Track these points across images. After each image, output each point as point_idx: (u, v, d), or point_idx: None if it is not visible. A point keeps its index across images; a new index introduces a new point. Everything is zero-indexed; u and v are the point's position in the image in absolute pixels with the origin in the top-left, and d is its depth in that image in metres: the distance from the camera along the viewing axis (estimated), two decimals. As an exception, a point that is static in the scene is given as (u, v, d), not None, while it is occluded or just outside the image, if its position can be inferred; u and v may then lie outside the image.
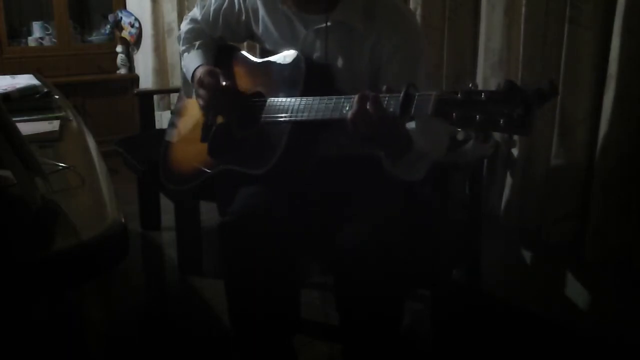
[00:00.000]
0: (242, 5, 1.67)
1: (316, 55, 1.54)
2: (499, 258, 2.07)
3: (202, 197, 2.20)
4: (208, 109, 1.65)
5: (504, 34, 1.86)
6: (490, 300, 2.07)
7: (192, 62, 1.71)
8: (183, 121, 1.83)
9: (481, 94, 1.02)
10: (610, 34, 1.57)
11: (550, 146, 1.76)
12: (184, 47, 1.76)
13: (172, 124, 1.88)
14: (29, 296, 0.78)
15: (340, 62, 1.52)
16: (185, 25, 1.81)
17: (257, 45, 1.74)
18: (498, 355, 1.83)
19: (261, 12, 1.63)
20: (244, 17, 1.68)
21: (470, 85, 1.06)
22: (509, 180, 1.91)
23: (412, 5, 2.11)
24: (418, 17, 2.07)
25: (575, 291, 1.88)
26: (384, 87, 1.23)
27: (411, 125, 1.37)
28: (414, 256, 1.50)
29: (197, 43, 1.74)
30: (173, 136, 1.85)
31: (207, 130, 1.68)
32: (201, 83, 1.62)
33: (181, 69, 1.80)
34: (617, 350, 1.75)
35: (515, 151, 1.88)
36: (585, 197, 1.71)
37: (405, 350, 1.67)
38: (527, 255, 2.02)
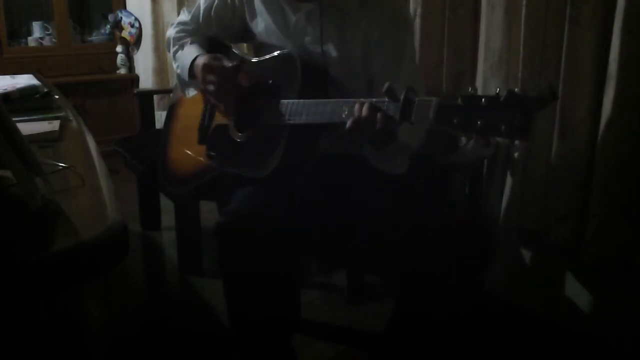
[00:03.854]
0: None
1: (307, 39, 1.52)
2: (499, 258, 2.07)
3: (202, 197, 2.21)
4: (219, 93, 1.54)
5: (504, 34, 1.86)
6: (490, 300, 2.07)
7: (188, 55, 1.64)
8: (179, 122, 1.83)
9: (482, 100, 1.02)
10: (610, 34, 1.57)
11: (550, 146, 1.76)
12: (175, 48, 1.70)
13: (167, 125, 1.86)
14: (29, 296, 0.78)
15: (332, 47, 1.50)
16: (173, 29, 1.75)
17: (252, 42, 1.70)
18: (498, 355, 1.82)
19: (256, 2, 1.61)
20: (237, 11, 1.66)
21: (470, 89, 1.05)
22: (509, 180, 1.90)
23: (412, 6, 2.11)
24: (418, 18, 2.08)
25: (575, 291, 1.88)
26: (386, 87, 1.19)
27: None
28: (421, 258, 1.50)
29: (190, 39, 1.69)
30: (169, 138, 1.84)
31: (204, 132, 1.67)
32: (208, 68, 1.54)
33: (175, 70, 1.74)
34: (617, 350, 1.75)
35: (515, 151, 1.87)
36: (585, 197, 1.71)
37: (406, 350, 1.67)
38: (527, 255, 2.01)
